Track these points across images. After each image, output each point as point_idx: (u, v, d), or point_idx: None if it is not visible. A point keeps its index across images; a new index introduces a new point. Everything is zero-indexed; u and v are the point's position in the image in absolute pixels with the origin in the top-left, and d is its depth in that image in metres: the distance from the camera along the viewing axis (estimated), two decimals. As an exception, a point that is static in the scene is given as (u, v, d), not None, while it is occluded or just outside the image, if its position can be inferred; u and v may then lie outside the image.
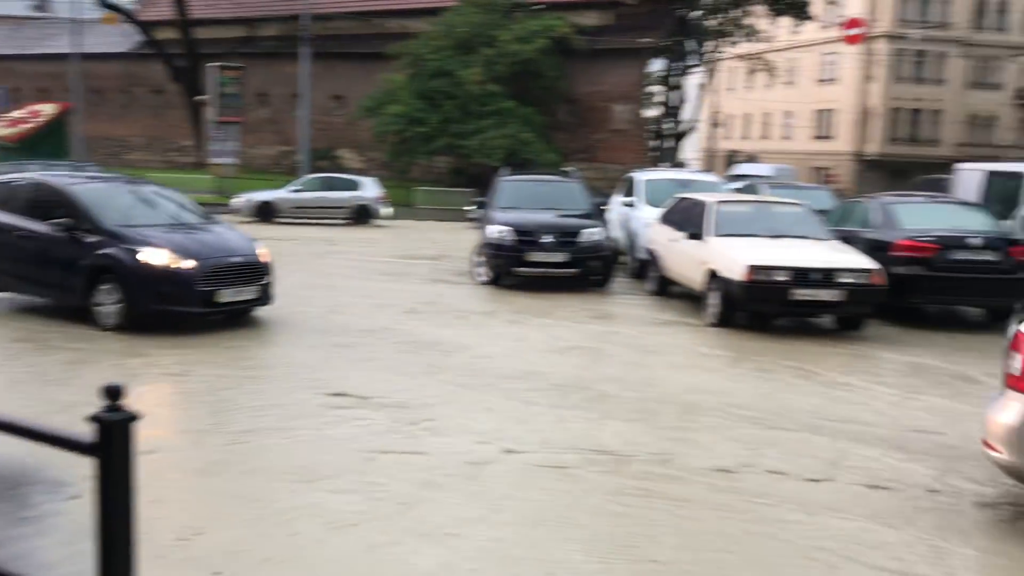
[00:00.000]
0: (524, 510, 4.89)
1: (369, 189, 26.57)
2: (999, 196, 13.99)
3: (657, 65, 40.67)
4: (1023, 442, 4.70)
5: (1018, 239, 11.86)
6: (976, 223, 12.01)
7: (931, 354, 9.67)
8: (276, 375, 7.98)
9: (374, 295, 12.43)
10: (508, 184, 15.06)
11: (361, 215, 25.85)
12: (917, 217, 12.11)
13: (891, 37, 52.06)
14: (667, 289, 13.01)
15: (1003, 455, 4.83)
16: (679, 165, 38.28)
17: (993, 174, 14.81)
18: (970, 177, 15.16)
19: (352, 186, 26.72)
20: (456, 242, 19.65)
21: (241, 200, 25.54)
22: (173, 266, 9.11)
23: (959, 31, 53.33)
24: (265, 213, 25.01)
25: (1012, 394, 4.80)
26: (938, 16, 53.15)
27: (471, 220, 27.29)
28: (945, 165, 17.02)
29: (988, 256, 11.32)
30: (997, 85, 55.01)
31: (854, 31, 41.46)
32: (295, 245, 18.19)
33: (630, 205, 15.70)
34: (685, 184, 15.62)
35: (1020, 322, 4.90)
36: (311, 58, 33.14)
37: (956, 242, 11.34)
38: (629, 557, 4.38)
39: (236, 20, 43.86)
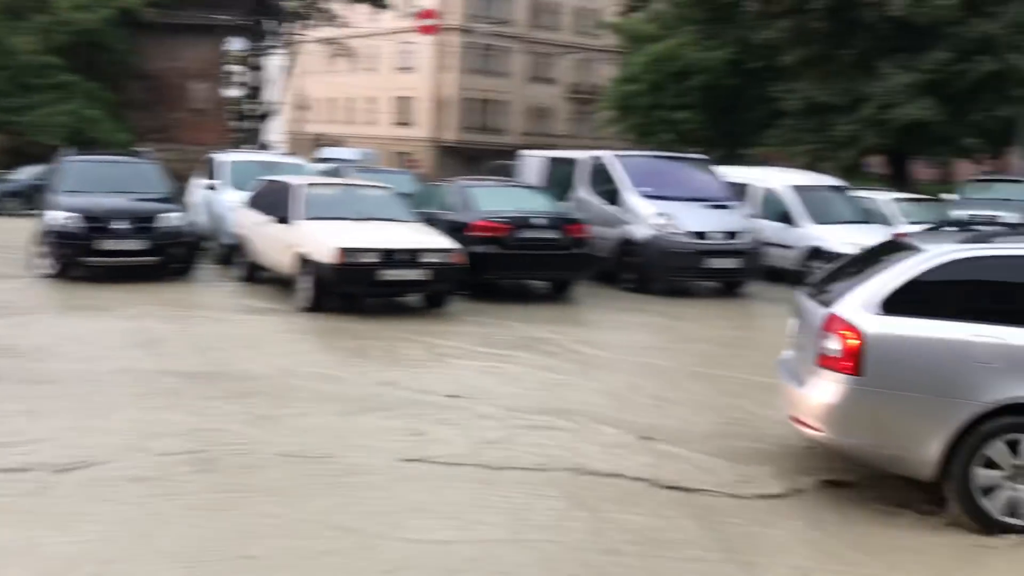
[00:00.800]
0: (102, 525, 4.44)
1: None
2: (558, 180, 15.53)
3: (237, 44, 39.47)
4: (842, 419, 4.91)
5: (573, 218, 13.27)
6: (540, 204, 13.26)
7: (505, 323, 10.47)
8: None
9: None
10: (73, 165, 13.60)
11: None
12: (490, 200, 13.05)
13: (461, 30, 55.53)
14: (256, 275, 12.66)
15: (823, 433, 4.98)
16: (264, 147, 37.56)
17: (553, 160, 16.42)
18: (533, 163, 16.65)
19: None
20: (7, 231, 17.41)
21: None
22: None
23: (520, 28, 58.39)
24: None
25: (827, 373, 4.92)
26: (502, 13, 57.71)
27: None
28: (512, 152, 18.53)
29: (550, 234, 12.51)
30: (553, 80, 61.13)
31: (427, 22, 43.63)
32: None
33: (213, 188, 15.04)
34: (271, 167, 15.26)
35: (825, 303, 5.07)
36: None
37: (524, 222, 12.38)
38: (223, 556, 4.19)
39: None
